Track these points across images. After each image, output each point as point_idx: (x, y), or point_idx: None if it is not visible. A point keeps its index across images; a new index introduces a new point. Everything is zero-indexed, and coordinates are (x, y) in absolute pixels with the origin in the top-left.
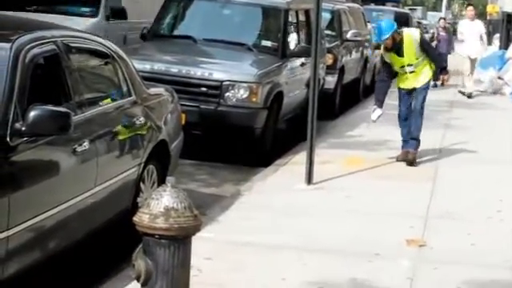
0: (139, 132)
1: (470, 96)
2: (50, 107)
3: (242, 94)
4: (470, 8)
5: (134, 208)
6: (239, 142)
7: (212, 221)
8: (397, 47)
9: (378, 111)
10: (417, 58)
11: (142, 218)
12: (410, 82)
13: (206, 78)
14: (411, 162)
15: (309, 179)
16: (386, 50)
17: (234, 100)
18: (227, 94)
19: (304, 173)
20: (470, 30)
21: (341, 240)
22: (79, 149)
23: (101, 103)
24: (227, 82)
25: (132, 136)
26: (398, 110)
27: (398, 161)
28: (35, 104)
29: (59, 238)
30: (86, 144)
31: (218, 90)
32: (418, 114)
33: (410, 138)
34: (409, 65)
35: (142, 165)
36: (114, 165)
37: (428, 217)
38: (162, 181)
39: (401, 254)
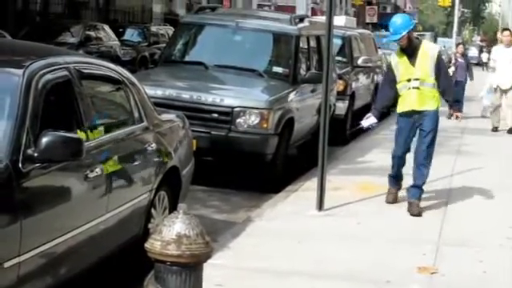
0: (150, 158)
1: (495, 129)
2: (62, 133)
3: (253, 120)
4: (507, 33)
5: (145, 234)
6: (250, 168)
7: (223, 247)
8: (411, 51)
9: (372, 119)
10: (428, 77)
11: (153, 245)
12: (412, 101)
13: (217, 104)
14: (416, 215)
15: (320, 205)
16: (401, 50)
17: (245, 126)
18: (238, 120)
19: (315, 199)
20: (505, 57)
21: (352, 267)
22: (91, 175)
23: (113, 129)
24: (238, 108)
25: (143, 162)
26: (394, 147)
27: (388, 202)
28: (47, 130)
29: (70, 264)
30: (98, 170)
31: (229, 116)
32: (424, 162)
33: (412, 186)
34: (415, 79)
35: (154, 191)
36: (126, 191)
37: (440, 244)
38: (173, 207)
39: (412, 281)
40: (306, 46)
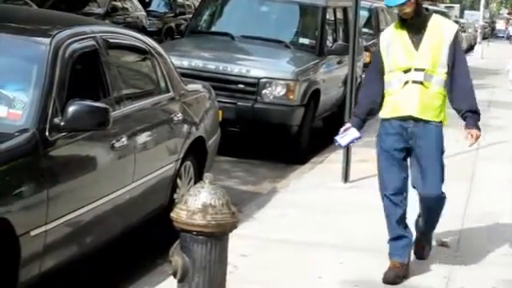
0: (176, 128)
1: None
2: (89, 102)
3: (279, 91)
4: None
5: (171, 204)
6: (276, 138)
7: (248, 218)
8: (415, 27)
9: (353, 133)
10: (438, 68)
11: (179, 215)
12: (410, 102)
13: (244, 75)
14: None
15: (345, 177)
16: (400, 23)
17: (271, 97)
18: (264, 91)
19: (340, 171)
20: None
21: (377, 238)
22: (117, 144)
23: (139, 99)
24: (264, 79)
25: (169, 132)
26: (379, 177)
27: (385, 282)
28: (74, 99)
29: (96, 233)
30: (124, 140)
31: (255, 87)
32: (433, 202)
33: (420, 234)
34: (418, 69)
35: (180, 161)
36: (152, 161)
37: (465, 217)
38: (198, 177)
39: (437, 253)
40: (332, 18)
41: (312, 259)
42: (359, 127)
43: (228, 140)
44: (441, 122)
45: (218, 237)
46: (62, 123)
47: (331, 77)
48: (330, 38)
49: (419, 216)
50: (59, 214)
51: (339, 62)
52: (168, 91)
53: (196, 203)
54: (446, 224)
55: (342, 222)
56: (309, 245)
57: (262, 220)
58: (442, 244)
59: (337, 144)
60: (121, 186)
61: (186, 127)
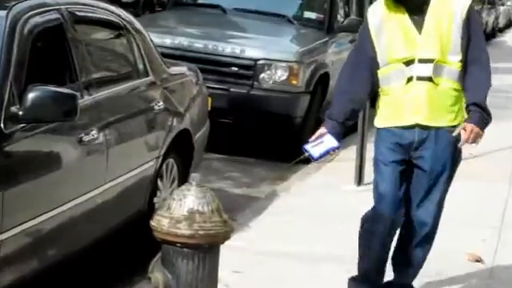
0: (157, 119)
1: None
2: (53, 88)
3: (280, 75)
4: None
5: (150, 209)
6: (276, 132)
7: (243, 227)
8: (415, 2)
9: (329, 141)
10: (449, 56)
11: (160, 223)
12: (416, 106)
13: (238, 56)
14: None
15: (359, 179)
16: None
17: (271, 82)
18: (262, 75)
19: (353, 171)
20: None
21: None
22: (86, 138)
23: (112, 84)
24: (262, 61)
25: (149, 124)
26: (374, 207)
27: None
28: (35, 84)
29: (61, 243)
30: (95, 133)
31: (251, 70)
32: (425, 236)
33: (392, 284)
34: (422, 60)
35: (160, 158)
36: (127, 158)
37: (503, 226)
38: (183, 178)
39: (470, 269)
40: None
41: (316, 275)
42: (337, 134)
43: (219, 134)
44: (458, 124)
45: (206, 249)
46: (21, 113)
47: (342, 58)
48: (341, 11)
49: (396, 262)
50: (17, 221)
51: (351, 41)
52: (147, 75)
53: (181, 209)
54: (480, 235)
55: (353, 232)
56: (313, 258)
57: (259, 229)
58: (476, 260)
59: (307, 155)
60: (90, 189)
61: (168, 118)
